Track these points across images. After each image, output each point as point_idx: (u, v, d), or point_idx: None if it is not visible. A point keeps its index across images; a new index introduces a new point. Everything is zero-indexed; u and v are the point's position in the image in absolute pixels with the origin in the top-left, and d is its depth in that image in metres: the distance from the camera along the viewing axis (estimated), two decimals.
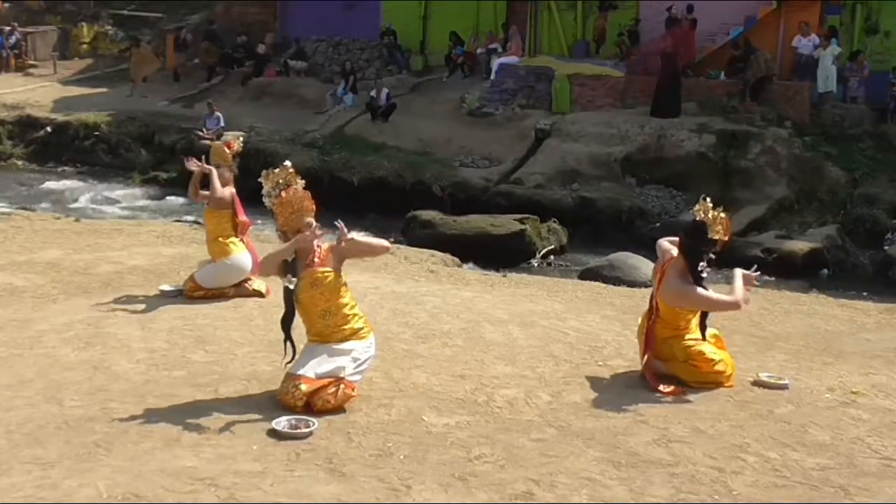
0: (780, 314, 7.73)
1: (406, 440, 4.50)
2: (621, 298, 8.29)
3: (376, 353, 5.10)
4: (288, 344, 4.90)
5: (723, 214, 5.41)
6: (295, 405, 4.74)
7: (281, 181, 4.93)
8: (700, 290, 5.30)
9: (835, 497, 4.13)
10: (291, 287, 4.86)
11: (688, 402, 5.19)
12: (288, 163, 5.02)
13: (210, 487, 3.92)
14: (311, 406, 4.73)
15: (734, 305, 5.38)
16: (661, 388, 5.33)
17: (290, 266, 4.88)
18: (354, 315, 4.98)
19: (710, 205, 5.42)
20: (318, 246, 4.91)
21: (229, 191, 7.28)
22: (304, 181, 4.99)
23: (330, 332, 4.90)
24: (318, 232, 4.84)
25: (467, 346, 6.12)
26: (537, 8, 21.34)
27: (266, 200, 4.96)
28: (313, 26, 23.68)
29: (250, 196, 6.91)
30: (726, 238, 5.43)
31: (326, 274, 4.89)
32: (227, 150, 7.38)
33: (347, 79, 21.33)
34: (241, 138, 7.76)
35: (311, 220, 4.93)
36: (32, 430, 4.45)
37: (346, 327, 4.92)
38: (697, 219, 5.39)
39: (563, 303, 7.83)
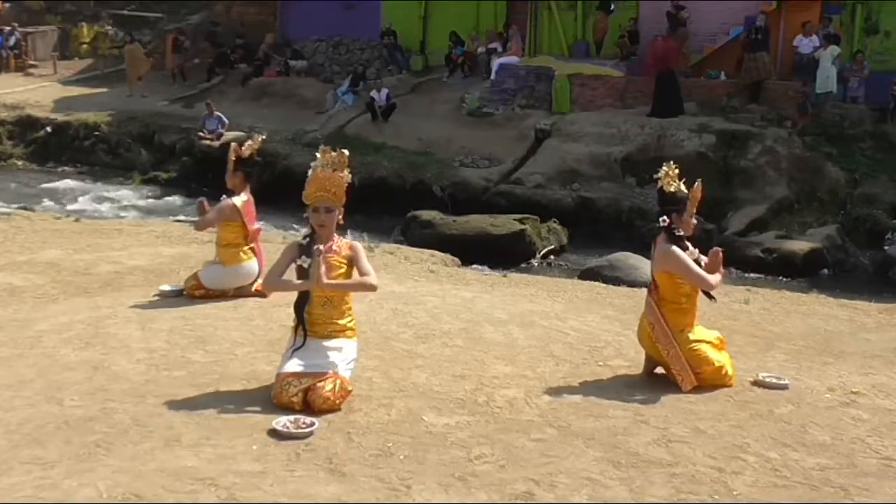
0: (780, 314, 7.73)
1: (406, 440, 4.49)
2: (621, 298, 8.28)
3: (358, 356, 5.12)
4: (300, 329, 4.89)
5: (672, 169, 5.52)
6: (291, 403, 4.72)
7: (333, 162, 4.90)
8: (680, 252, 5.40)
9: (835, 497, 4.13)
10: (306, 266, 4.90)
11: (688, 402, 5.20)
12: (346, 151, 4.99)
13: (210, 487, 3.92)
14: (312, 406, 4.72)
15: (707, 284, 5.42)
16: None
17: (304, 248, 4.93)
18: (350, 312, 5.01)
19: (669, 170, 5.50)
20: (337, 237, 4.97)
21: (237, 201, 7.12)
22: (352, 177, 4.98)
23: (322, 323, 4.90)
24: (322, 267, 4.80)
25: (467, 346, 6.11)
26: (537, 8, 21.36)
27: (311, 168, 4.96)
28: (313, 26, 23.71)
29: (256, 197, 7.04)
30: (681, 186, 5.48)
31: (342, 262, 4.93)
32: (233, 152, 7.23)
33: (356, 82, 21.32)
34: (250, 142, 7.28)
35: (334, 210, 4.92)
36: (32, 430, 4.45)
37: (339, 321, 4.93)
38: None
39: (563, 303, 7.83)
